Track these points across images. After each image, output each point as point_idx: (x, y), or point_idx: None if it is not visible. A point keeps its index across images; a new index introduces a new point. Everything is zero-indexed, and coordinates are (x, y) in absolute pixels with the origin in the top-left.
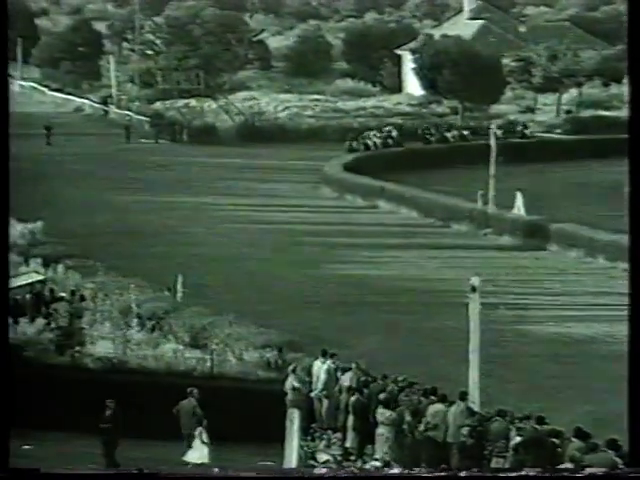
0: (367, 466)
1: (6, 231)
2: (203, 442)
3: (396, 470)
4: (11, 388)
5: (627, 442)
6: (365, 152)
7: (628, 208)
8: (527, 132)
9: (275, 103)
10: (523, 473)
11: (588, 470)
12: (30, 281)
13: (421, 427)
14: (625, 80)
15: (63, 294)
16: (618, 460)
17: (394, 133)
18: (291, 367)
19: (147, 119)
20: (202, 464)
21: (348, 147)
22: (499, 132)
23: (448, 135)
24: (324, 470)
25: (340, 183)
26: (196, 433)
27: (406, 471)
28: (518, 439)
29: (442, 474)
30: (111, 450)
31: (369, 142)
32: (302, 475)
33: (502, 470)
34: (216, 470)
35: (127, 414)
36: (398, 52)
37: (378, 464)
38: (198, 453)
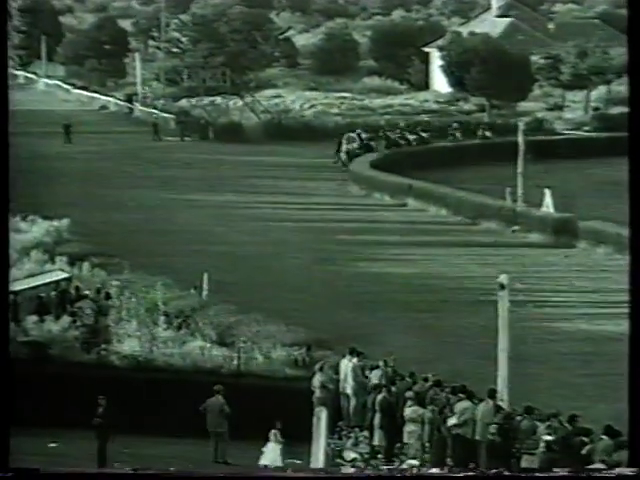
0: (404, 466)
1: (6, 232)
2: (278, 442)
3: (434, 469)
4: (11, 388)
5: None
6: (394, 149)
7: (629, 204)
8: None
9: (301, 101)
10: (529, 475)
11: (617, 470)
12: (55, 279)
13: (449, 424)
14: None
15: (89, 292)
16: None
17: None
18: (318, 365)
19: (173, 117)
20: (276, 467)
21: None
22: (527, 129)
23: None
24: (349, 469)
25: (368, 181)
26: (270, 434)
27: (415, 470)
28: (548, 437)
29: (450, 474)
30: (103, 446)
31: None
32: (303, 475)
33: (527, 470)
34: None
35: (153, 412)
36: (425, 50)
37: (415, 462)
38: (272, 455)
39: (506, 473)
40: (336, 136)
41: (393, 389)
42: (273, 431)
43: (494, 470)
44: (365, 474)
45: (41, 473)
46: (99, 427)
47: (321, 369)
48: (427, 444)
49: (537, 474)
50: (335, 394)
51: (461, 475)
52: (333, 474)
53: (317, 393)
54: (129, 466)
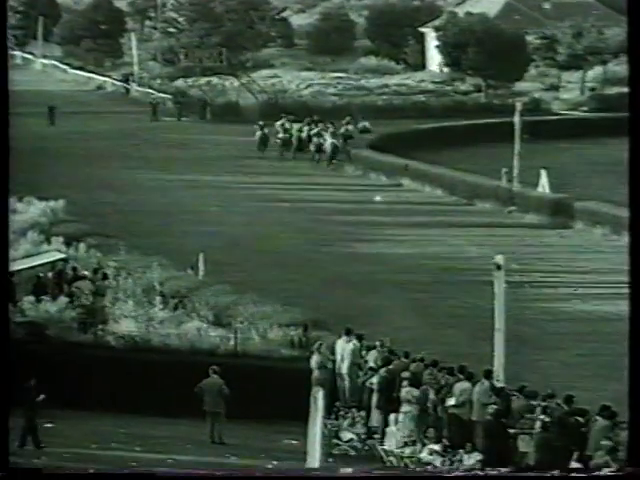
0: (424, 452)
1: (6, 224)
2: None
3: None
4: (10, 388)
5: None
6: (391, 130)
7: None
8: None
9: (298, 81)
10: (525, 474)
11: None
12: (52, 259)
13: (447, 404)
14: None
15: (85, 272)
16: None
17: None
18: (316, 345)
19: (169, 97)
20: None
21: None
22: (523, 110)
23: None
24: (347, 469)
25: (364, 161)
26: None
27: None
28: (544, 417)
29: (445, 475)
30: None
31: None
32: (304, 475)
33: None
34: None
35: (150, 392)
36: (422, 30)
37: (437, 447)
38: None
39: (478, 474)
40: (333, 116)
41: (390, 369)
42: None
43: (495, 470)
44: (366, 474)
45: (41, 473)
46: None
47: (319, 349)
48: (422, 424)
49: (538, 474)
50: (332, 374)
51: (461, 475)
52: (333, 474)
53: (315, 373)
54: (126, 446)
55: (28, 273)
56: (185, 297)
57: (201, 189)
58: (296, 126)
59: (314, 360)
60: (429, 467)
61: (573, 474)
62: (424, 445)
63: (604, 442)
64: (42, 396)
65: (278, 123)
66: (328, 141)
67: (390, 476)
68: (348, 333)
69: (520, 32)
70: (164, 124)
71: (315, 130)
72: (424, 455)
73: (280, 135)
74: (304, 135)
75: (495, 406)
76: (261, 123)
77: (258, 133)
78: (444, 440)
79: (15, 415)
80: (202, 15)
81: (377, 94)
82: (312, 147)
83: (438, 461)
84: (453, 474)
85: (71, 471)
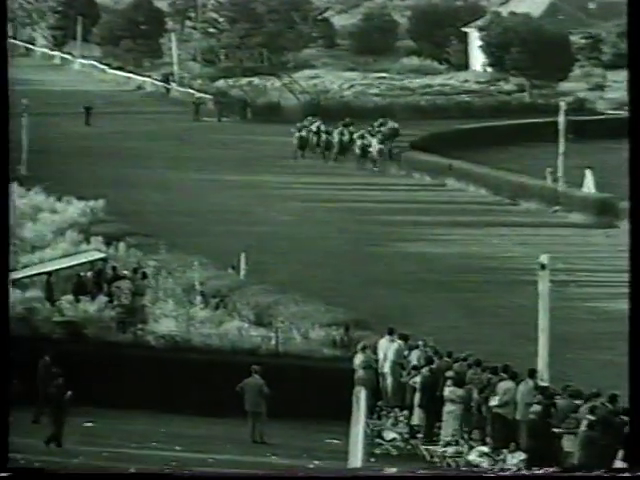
0: (473, 455)
1: (6, 224)
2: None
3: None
4: (9, 388)
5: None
6: (433, 130)
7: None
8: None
9: (340, 81)
10: (525, 473)
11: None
12: (91, 259)
13: (491, 404)
14: None
15: (125, 272)
16: None
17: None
18: (361, 345)
19: (210, 97)
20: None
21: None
22: (568, 109)
23: None
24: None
25: (407, 161)
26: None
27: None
28: (589, 417)
29: (444, 474)
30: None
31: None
32: (305, 475)
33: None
34: None
35: (191, 392)
36: (465, 30)
37: (486, 449)
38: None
39: (477, 474)
40: (376, 116)
41: (433, 368)
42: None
43: (497, 470)
44: (371, 474)
45: (41, 473)
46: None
47: (363, 349)
48: (467, 424)
49: (583, 474)
50: (374, 374)
51: (505, 474)
52: (338, 474)
53: (358, 373)
54: (166, 445)
55: (67, 273)
56: (226, 297)
57: (242, 189)
58: (337, 130)
59: (358, 360)
60: (475, 468)
61: (618, 474)
62: (471, 447)
63: None
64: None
65: (314, 126)
66: (375, 145)
67: (400, 476)
68: (391, 333)
69: (564, 32)
70: (205, 124)
71: (359, 133)
72: (473, 457)
73: (323, 138)
74: (346, 138)
75: (539, 405)
76: (299, 125)
77: (296, 135)
78: (487, 440)
79: (44, 414)
80: (243, 15)
81: (420, 94)
82: (357, 150)
83: (486, 463)
84: (497, 474)
85: (72, 471)
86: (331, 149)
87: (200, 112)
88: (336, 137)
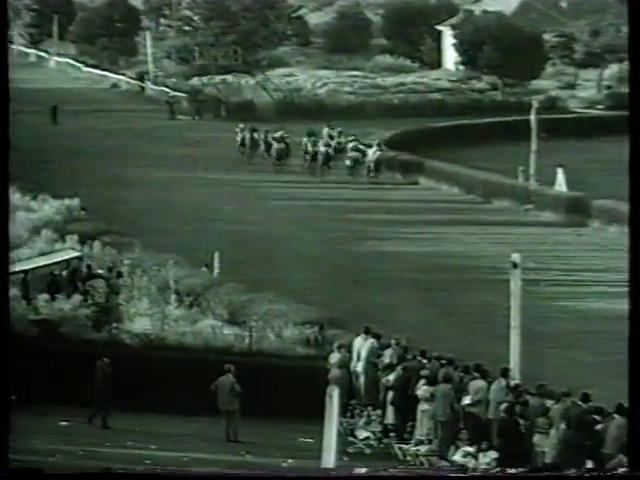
0: (458, 455)
1: (6, 224)
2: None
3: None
4: (9, 389)
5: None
6: (406, 128)
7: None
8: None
9: (313, 79)
10: (525, 474)
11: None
12: (66, 258)
13: (463, 403)
14: None
15: (100, 270)
16: None
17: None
18: (337, 344)
19: (184, 95)
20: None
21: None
22: (540, 108)
23: None
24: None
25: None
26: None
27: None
28: (560, 416)
29: (448, 475)
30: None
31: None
32: (304, 475)
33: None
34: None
35: (165, 390)
36: (438, 28)
37: (470, 449)
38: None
39: (477, 474)
40: (349, 114)
41: (406, 367)
42: None
43: (512, 469)
44: (370, 474)
45: (41, 473)
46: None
47: (339, 348)
48: (439, 423)
49: (556, 473)
50: (348, 373)
51: (464, 475)
52: (336, 474)
53: (332, 372)
54: (141, 444)
55: (43, 271)
56: (200, 295)
57: (216, 187)
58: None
59: (333, 358)
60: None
61: (591, 473)
62: (457, 447)
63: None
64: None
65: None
66: (371, 155)
67: (391, 476)
68: (366, 332)
69: (537, 30)
70: (179, 122)
71: (353, 144)
72: (457, 457)
73: (309, 149)
74: (331, 150)
75: (511, 404)
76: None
77: (275, 147)
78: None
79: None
80: (217, 13)
81: (393, 92)
82: (348, 162)
83: (471, 463)
84: (469, 474)
85: (72, 471)
86: (317, 160)
87: (175, 110)
88: (322, 148)
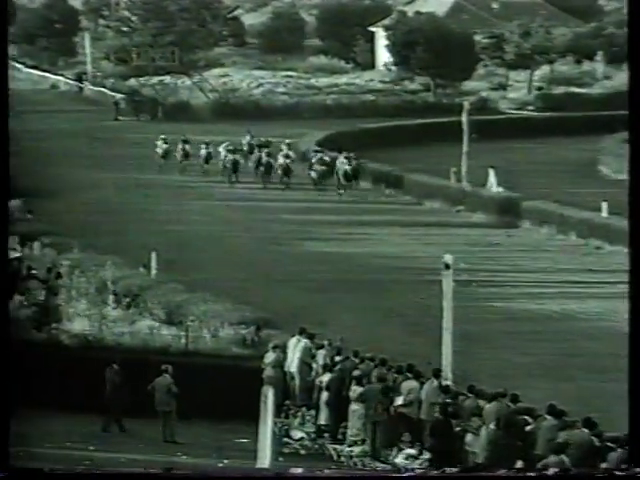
0: (399, 457)
1: (6, 224)
2: None
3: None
4: (10, 390)
5: (601, 420)
6: (339, 129)
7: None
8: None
9: (249, 80)
10: (458, 474)
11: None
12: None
13: (396, 404)
14: (597, 57)
15: (36, 271)
16: (594, 439)
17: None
18: (272, 344)
19: (123, 96)
20: None
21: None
22: (471, 109)
23: None
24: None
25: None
26: None
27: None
28: (491, 416)
29: (443, 474)
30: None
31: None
32: (303, 475)
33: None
34: None
35: (104, 391)
36: (371, 29)
37: (413, 451)
38: None
39: (478, 474)
40: (283, 115)
41: (339, 368)
42: None
43: (444, 469)
44: (369, 474)
45: (42, 473)
46: None
47: (274, 348)
48: (371, 423)
49: (537, 473)
50: (283, 373)
51: (461, 475)
52: (334, 474)
53: (267, 372)
54: (81, 445)
55: None
56: (138, 296)
57: (153, 188)
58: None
59: (268, 359)
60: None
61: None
62: (400, 450)
63: (553, 441)
64: None
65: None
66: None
67: (392, 476)
68: (301, 332)
69: (468, 31)
70: (118, 123)
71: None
72: (400, 460)
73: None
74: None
75: (443, 405)
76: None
77: (229, 158)
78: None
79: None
80: (155, 14)
81: (326, 93)
82: (314, 174)
83: (414, 465)
84: (406, 474)
85: (72, 471)
86: (271, 173)
87: (119, 111)
88: (281, 160)
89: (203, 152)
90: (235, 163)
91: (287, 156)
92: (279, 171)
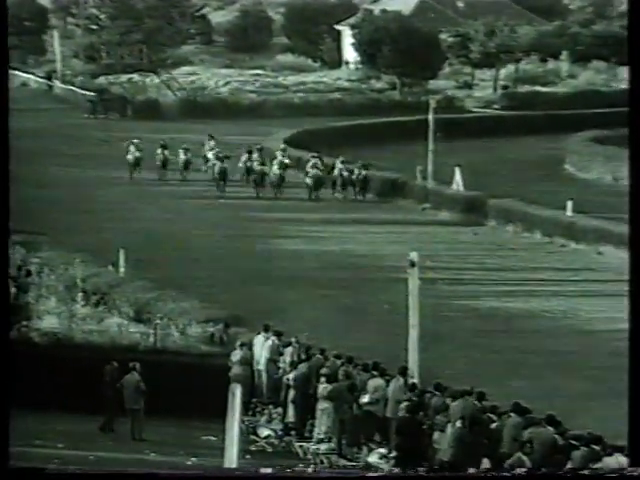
0: (372, 456)
1: (6, 224)
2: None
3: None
4: (11, 390)
5: (628, 440)
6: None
7: (629, 199)
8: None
9: (216, 78)
10: (522, 473)
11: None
12: None
13: (361, 402)
14: (562, 56)
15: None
16: (557, 437)
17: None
18: (239, 341)
19: (92, 94)
20: None
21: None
22: (437, 107)
23: None
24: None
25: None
26: None
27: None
28: (458, 414)
29: (441, 474)
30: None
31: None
32: (302, 475)
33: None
34: None
35: (73, 389)
36: (338, 27)
37: (385, 451)
38: None
39: (473, 474)
40: (251, 113)
41: (305, 365)
42: None
43: (411, 468)
44: (332, 475)
45: (42, 473)
46: None
47: (242, 346)
48: (338, 421)
49: (505, 474)
50: (250, 371)
51: (430, 476)
52: (333, 474)
53: (234, 369)
54: (50, 443)
55: None
56: (106, 294)
57: (123, 186)
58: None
59: (235, 356)
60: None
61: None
62: (371, 449)
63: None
64: None
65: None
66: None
67: (388, 476)
68: (267, 329)
69: (434, 30)
70: (86, 121)
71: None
72: (373, 459)
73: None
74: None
75: (409, 403)
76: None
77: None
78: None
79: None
80: (123, 12)
81: (293, 92)
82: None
83: (386, 465)
84: (376, 474)
85: (72, 471)
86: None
87: (97, 109)
88: (276, 169)
89: (182, 157)
90: (223, 172)
91: (281, 164)
92: (274, 180)
